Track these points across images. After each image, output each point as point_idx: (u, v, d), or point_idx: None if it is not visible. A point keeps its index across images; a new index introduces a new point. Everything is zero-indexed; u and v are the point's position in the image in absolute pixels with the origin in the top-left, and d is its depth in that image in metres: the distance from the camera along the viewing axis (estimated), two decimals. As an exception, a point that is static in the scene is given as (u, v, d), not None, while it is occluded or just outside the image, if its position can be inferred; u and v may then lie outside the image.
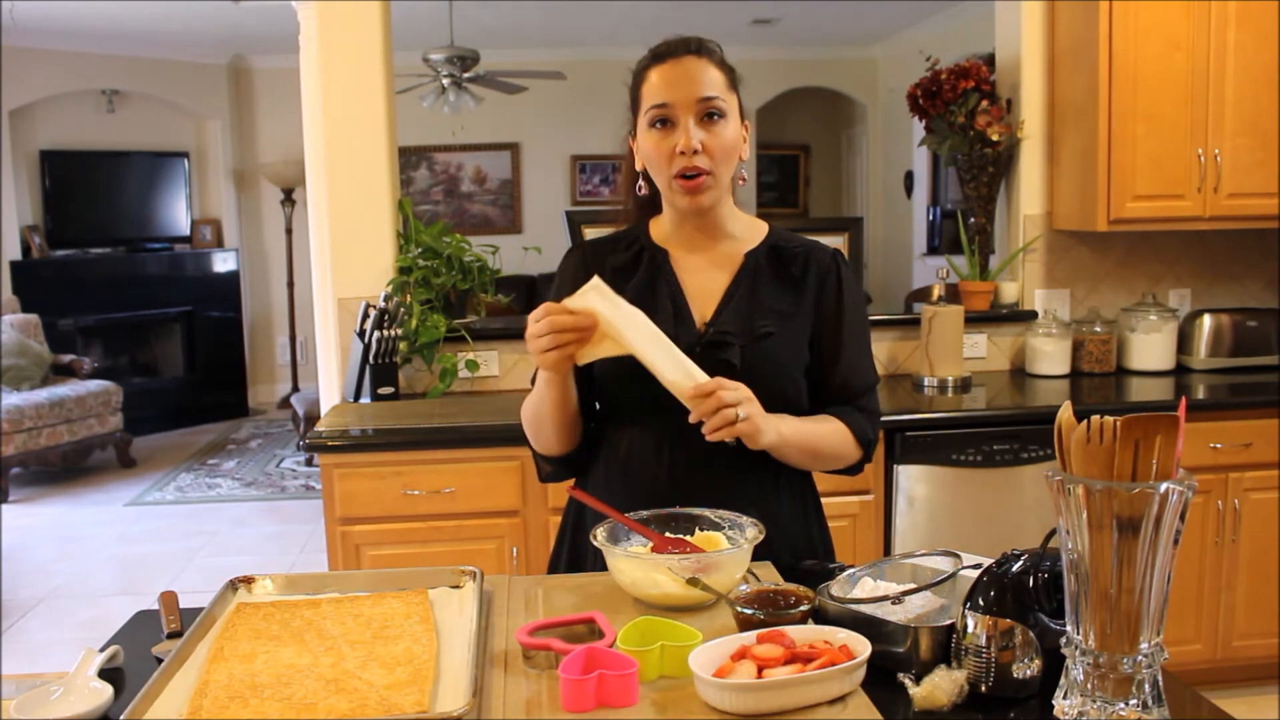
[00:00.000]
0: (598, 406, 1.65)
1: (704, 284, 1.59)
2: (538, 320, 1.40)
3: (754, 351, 1.54)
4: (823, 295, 1.60)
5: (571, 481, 1.69)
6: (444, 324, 3.16)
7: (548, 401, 1.53)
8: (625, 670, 1.09)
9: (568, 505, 1.72)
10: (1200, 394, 3.10)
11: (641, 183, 1.60)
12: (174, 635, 1.35)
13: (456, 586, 1.39)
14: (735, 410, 1.38)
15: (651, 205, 1.65)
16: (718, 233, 1.61)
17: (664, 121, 1.50)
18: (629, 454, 1.59)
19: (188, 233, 7.67)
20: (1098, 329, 3.41)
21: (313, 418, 5.20)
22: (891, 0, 6.46)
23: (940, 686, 1.10)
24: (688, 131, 1.49)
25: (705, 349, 1.52)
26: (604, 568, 1.53)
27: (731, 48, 1.63)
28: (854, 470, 1.66)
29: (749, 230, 1.64)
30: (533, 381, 1.59)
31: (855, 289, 1.64)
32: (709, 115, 1.50)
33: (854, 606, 1.23)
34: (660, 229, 1.64)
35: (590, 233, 3.23)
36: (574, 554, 1.67)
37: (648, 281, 1.59)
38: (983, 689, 1.12)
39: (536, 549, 2.75)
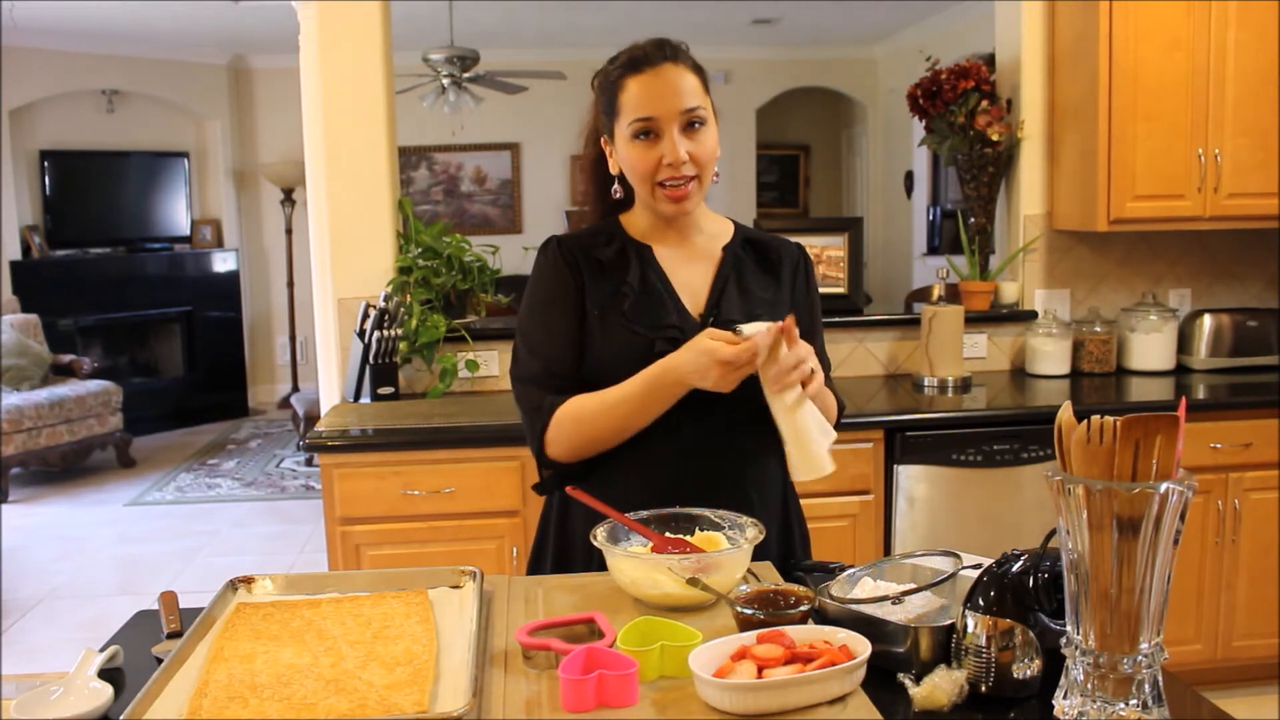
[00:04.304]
0: None
1: (688, 277, 1.64)
2: (745, 356, 1.40)
3: None
4: (795, 284, 1.69)
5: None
6: (444, 324, 3.16)
7: (653, 413, 1.53)
8: (625, 670, 1.09)
9: (548, 505, 1.72)
10: (1200, 394, 3.10)
11: (617, 186, 1.63)
12: (174, 635, 1.35)
13: (456, 586, 1.39)
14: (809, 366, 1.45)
15: (618, 203, 1.67)
16: (693, 229, 1.66)
17: (648, 134, 1.53)
18: (639, 443, 1.58)
19: (188, 233, 7.67)
20: (1098, 329, 3.41)
21: (313, 418, 5.20)
22: (891, 0, 6.46)
23: (940, 686, 1.10)
24: (675, 144, 1.52)
25: None
26: (595, 565, 1.54)
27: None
28: None
29: (718, 226, 1.71)
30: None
31: (816, 280, 1.76)
32: (691, 124, 1.54)
33: (854, 606, 1.23)
34: (635, 225, 1.67)
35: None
36: (561, 551, 1.67)
37: (640, 276, 1.62)
38: (983, 689, 1.12)
39: (536, 549, 2.75)
